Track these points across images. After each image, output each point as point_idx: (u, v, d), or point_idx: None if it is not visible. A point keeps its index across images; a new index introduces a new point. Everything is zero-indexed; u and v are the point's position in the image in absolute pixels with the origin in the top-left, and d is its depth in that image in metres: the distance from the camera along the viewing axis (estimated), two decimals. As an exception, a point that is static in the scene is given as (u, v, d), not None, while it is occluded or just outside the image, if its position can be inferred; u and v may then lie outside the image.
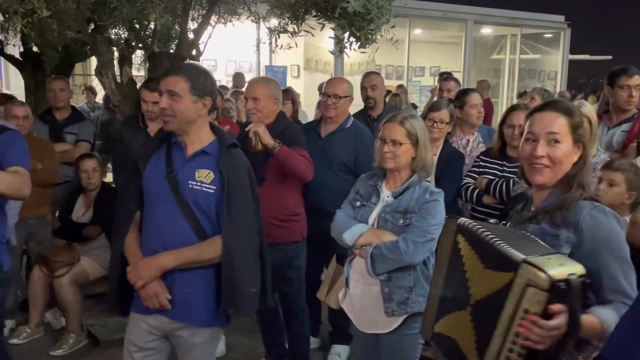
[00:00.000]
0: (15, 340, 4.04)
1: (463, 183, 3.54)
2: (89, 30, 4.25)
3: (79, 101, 9.63)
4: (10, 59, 5.61)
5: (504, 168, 3.45)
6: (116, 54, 4.46)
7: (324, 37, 4.26)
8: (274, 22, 4.46)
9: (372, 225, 2.65)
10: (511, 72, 15.82)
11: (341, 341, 3.96)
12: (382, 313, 2.62)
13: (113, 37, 4.50)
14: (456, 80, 5.27)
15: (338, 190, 3.26)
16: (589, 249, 1.71)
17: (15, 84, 8.45)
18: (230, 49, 10.23)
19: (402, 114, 2.69)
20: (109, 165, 6.63)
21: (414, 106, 9.22)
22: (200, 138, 2.36)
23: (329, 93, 3.71)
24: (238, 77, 9.06)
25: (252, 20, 4.84)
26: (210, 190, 2.29)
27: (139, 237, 2.40)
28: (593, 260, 1.68)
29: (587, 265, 1.62)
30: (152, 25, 4.38)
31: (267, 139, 3.11)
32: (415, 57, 13.92)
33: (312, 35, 4.07)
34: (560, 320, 1.50)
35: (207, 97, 2.32)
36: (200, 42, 4.46)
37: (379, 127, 2.75)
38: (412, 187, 2.63)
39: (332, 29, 3.97)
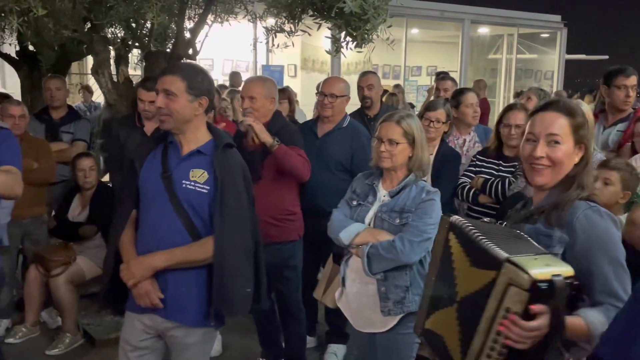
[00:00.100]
0: (11, 340, 4.03)
1: (459, 182, 3.55)
2: (85, 29, 4.24)
3: (75, 100, 9.61)
4: (7, 58, 5.60)
5: (500, 167, 3.45)
6: (112, 53, 4.45)
7: (321, 36, 4.26)
8: (270, 21, 4.45)
9: (369, 225, 2.65)
10: (508, 72, 15.85)
11: (338, 340, 3.96)
12: (379, 312, 2.63)
13: (109, 36, 4.49)
14: (453, 80, 5.29)
15: (335, 189, 3.26)
16: (581, 250, 1.69)
17: (11, 83, 8.42)
18: (227, 48, 10.24)
19: (399, 114, 2.70)
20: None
21: (412, 106, 9.22)
22: (196, 137, 2.36)
23: (326, 92, 3.71)
24: (235, 77, 9.05)
25: (249, 20, 4.84)
26: (204, 190, 2.28)
27: (134, 236, 2.40)
28: (585, 260, 1.67)
29: (579, 266, 1.61)
30: (148, 24, 4.38)
31: (265, 137, 3.10)
32: (412, 56, 13.94)
33: (309, 34, 4.06)
34: (541, 322, 1.50)
35: (203, 97, 2.32)
36: (196, 41, 4.45)
37: (375, 126, 2.75)
38: (408, 187, 2.63)
39: (329, 28, 3.97)
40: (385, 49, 4.13)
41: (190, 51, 4.43)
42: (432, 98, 5.44)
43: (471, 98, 4.03)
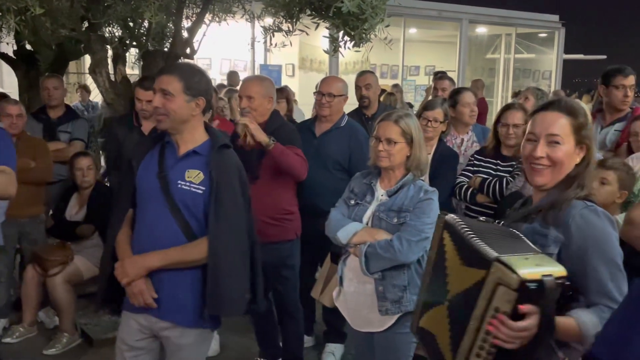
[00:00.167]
0: (8, 340, 4.03)
1: (457, 182, 3.55)
2: (83, 29, 4.23)
3: (73, 99, 9.59)
4: (4, 57, 5.58)
5: (498, 167, 3.46)
6: (110, 52, 4.45)
7: (319, 36, 4.26)
8: (268, 20, 4.45)
9: (367, 224, 2.65)
10: (506, 72, 15.86)
11: (335, 340, 3.96)
12: (376, 311, 2.63)
13: (107, 35, 4.49)
14: (451, 80, 5.28)
15: (332, 189, 3.26)
16: (577, 249, 1.67)
17: (8, 83, 8.40)
18: (224, 48, 10.23)
19: (397, 113, 2.70)
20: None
21: (410, 105, 9.22)
22: (193, 138, 2.35)
23: (324, 92, 3.71)
24: (232, 76, 9.04)
25: (247, 19, 4.84)
26: (199, 191, 2.28)
27: (130, 235, 2.40)
28: (581, 260, 1.66)
29: (575, 266, 1.60)
30: (146, 24, 4.38)
31: (261, 136, 3.10)
32: (410, 56, 13.93)
33: (307, 34, 4.07)
34: (529, 322, 1.49)
35: (200, 97, 2.31)
36: (194, 40, 4.45)
37: (373, 126, 2.75)
38: (406, 186, 2.63)
39: (327, 28, 3.97)
40: (383, 49, 4.14)
41: (188, 50, 4.43)
42: (430, 98, 5.43)
43: (469, 97, 4.03)
